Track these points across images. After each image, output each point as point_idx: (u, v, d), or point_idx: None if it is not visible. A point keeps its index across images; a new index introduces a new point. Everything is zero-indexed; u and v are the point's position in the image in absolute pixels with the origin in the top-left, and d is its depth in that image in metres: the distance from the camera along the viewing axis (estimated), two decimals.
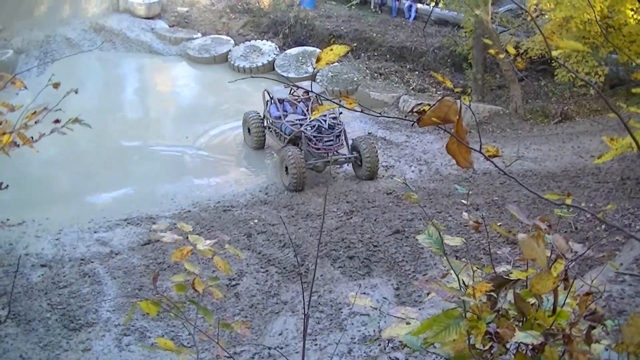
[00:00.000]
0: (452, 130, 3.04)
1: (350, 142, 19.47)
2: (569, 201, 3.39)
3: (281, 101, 20.36)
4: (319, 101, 19.34)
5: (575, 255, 3.53)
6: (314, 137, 18.85)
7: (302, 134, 18.92)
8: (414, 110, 3.05)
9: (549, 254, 3.52)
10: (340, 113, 19.53)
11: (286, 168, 18.59)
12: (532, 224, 3.59)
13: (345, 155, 19.30)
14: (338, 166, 19.80)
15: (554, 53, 2.85)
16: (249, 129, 21.31)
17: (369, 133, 21.79)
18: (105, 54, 28.84)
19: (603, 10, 18.70)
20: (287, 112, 20.16)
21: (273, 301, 13.68)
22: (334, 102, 3.14)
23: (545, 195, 3.40)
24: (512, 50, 4.08)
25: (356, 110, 3.14)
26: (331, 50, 3.01)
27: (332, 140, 18.97)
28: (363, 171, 19.02)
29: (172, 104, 25.58)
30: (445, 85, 3.24)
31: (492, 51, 4.48)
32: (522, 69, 23.85)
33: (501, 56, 4.75)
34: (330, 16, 31.19)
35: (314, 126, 19.03)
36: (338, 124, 19.25)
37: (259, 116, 21.16)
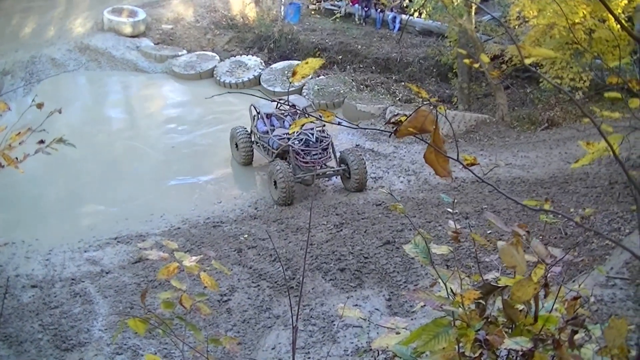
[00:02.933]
0: (430, 140, 3.05)
1: (338, 154, 19.51)
2: (547, 206, 3.39)
3: (268, 116, 20.37)
4: (306, 115, 19.36)
5: (554, 261, 3.54)
6: (302, 150, 18.91)
7: (290, 148, 18.96)
8: (391, 121, 3.06)
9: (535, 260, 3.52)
10: (323, 126, 19.57)
11: (275, 183, 18.62)
12: (510, 230, 3.60)
13: (333, 167, 19.37)
14: (327, 179, 19.83)
15: (527, 61, 2.86)
16: (236, 145, 21.29)
17: (356, 145, 21.79)
18: (91, 73, 28.80)
19: (586, 17, 18.74)
20: (274, 126, 20.18)
21: (265, 315, 13.66)
22: (312, 115, 3.15)
23: (523, 202, 3.40)
24: (485, 59, 4.10)
25: (333, 123, 3.15)
26: (306, 63, 3.01)
27: (319, 153, 19.03)
28: (352, 183, 19.06)
29: (158, 120, 25.49)
30: (424, 95, 3.24)
31: (466, 61, 4.49)
32: (505, 77, 23.93)
33: (476, 65, 4.77)
34: (314, 30, 31.20)
35: (301, 140, 19.09)
36: (325, 137, 19.31)
37: (246, 131, 21.18)
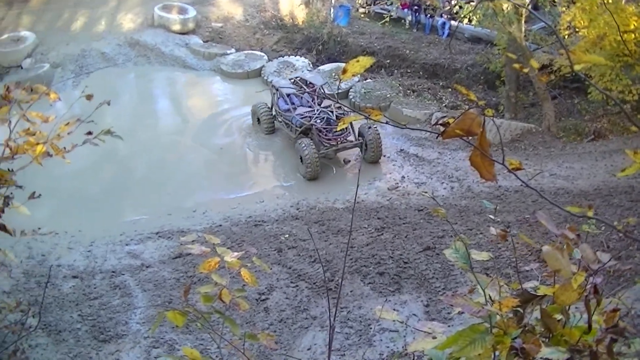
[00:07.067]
0: (476, 143, 3.04)
1: (357, 130, 21.01)
2: (590, 213, 3.37)
3: (288, 95, 21.85)
4: (323, 92, 21.34)
5: (601, 266, 3.51)
6: (324, 128, 20.40)
7: (313, 127, 20.43)
8: (439, 122, 3.06)
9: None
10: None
11: (301, 158, 20.12)
12: (560, 233, 3.57)
13: (352, 141, 20.94)
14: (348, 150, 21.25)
15: (576, 67, 2.85)
16: (258, 119, 23.04)
17: (401, 150, 21.78)
18: (140, 68, 28.93)
19: (638, 28, 18.53)
20: (294, 104, 21.62)
21: (302, 316, 13.68)
22: (360, 113, 3.15)
23: (567, 208, 3.39)
24: (535, 65, 4.07)
25: (381, 122, 3.16)
26: (357, 61, 3.02)
27: (340, 130, 20.23)
28: (368, 154, 20.67)
29: (206, 118, 25.53)
30: (472, 98, 3.25)
31: (516, 65, 4.48)
32: (553, 87, 23.72)
33: (525, 70, 4.77)
34: (363, 33, 31.18)
35: (322, 118, 20.66)
36: (344, 115, 20.47)
37: (267, 106, 22.83)
